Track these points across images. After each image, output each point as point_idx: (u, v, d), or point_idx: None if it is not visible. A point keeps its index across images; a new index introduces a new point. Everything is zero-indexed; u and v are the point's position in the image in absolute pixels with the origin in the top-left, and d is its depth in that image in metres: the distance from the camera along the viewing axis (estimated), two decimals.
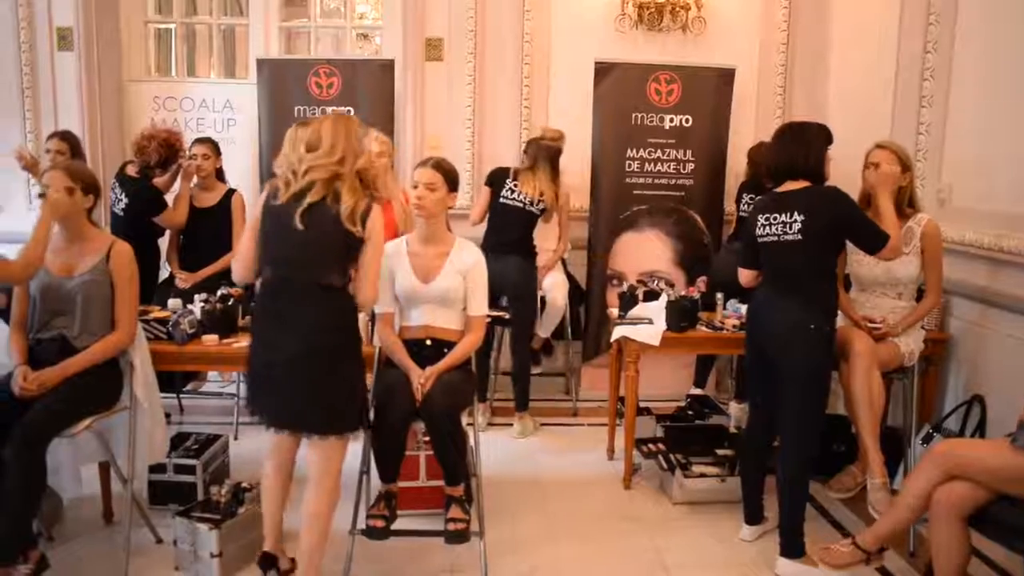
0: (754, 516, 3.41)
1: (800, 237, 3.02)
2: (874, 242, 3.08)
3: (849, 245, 3.28)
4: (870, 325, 3.44)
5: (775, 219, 3.09)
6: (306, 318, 2.61)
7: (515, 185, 4.59)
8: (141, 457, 3.14)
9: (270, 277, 2.68)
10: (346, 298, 2.70)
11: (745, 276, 3.35)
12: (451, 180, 3.08)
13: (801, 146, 3.10)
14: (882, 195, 3.28)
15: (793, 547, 3.11)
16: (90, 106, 5.28)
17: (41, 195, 3.00)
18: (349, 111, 5.10)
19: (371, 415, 2.91)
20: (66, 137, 4.50)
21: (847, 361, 3.32)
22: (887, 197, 3.27)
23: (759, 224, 3.15)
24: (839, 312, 3.25)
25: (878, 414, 3.34)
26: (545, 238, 4.96)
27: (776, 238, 3.09)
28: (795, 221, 3.03)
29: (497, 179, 4.64)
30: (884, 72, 4.54)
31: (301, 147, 2.66)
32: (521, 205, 4.58)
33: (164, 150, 4.27)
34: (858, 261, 3.59)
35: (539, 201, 4.57)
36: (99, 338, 2.99)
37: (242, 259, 2.74)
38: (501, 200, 4.58)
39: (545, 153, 4.60)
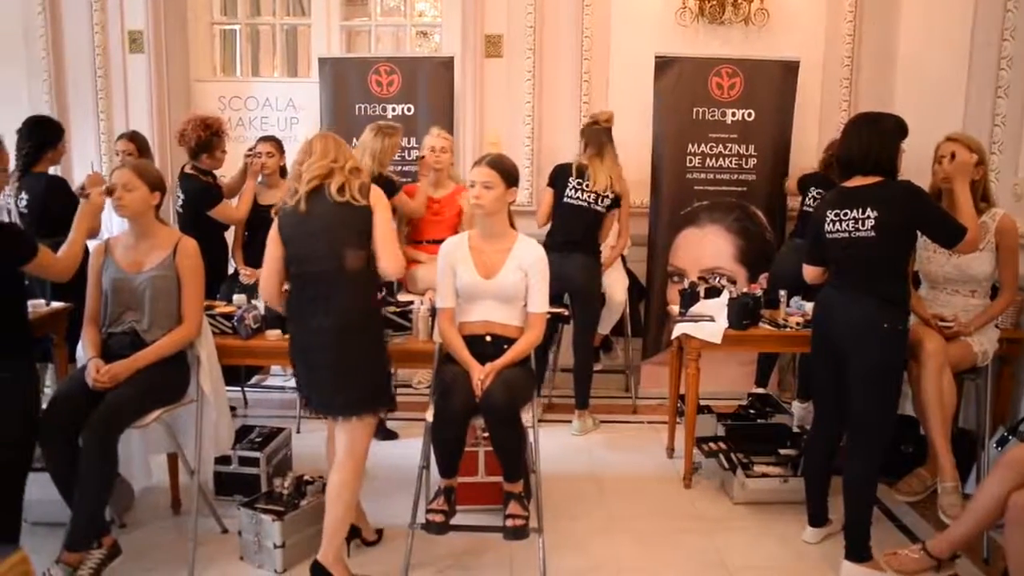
0: (818, 517, 3.33)
1: (873, 234, 2.92)
2: (951, 236, 2.97)
3: (919, 242, 3.18)
4: (941, 323, 3.34)
5: (846, 215, 2.99)
6: (329, 303, 2.77)
7: (578, 183, 4.50)
8: (207, 449, 3.22)
9: (297, 272, 2.85)
10: (366, 282, 2.86)
11: (810, 273, 3.27)
12: (508, 176, 3.06)
13: (875, 139, 2.99)
14: (959, 184, 3.16)
15: (859, 550, 3.02)
16: (159, 106, 5.43)
17: (84, 196, 3.11)
18: (409, 108, 5.16)
19: (431, 410, 2.94)
20: (134, 138, 4.65)
21: (917, 361, 3.23)
22: (964, 186, 3.15)
23: (827, 220, 3.05)
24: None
25: (949, 415, 3.25)
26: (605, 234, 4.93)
27: (847, 235, 2.99)
28: (868, 217, 2.93)
29: (559, 178, 4.58)
30: (957, 62, 4.39)
31: (297, 167, 2.87)
32: (586, 204, 4.50)
33: (201, 131, 4.31)
34: (928, 258, 3.49)
35: (605, 196, 4.49)
36: (167, 332, 3.06)
37: (266, 282, 2.91)
38: (565, 200, 4.51)
39: (607, 136, 4.52)
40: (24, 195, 4.16)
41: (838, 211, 3.02)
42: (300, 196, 2.80)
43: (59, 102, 5.42)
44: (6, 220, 3.33)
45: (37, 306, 3.57)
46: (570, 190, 4.50)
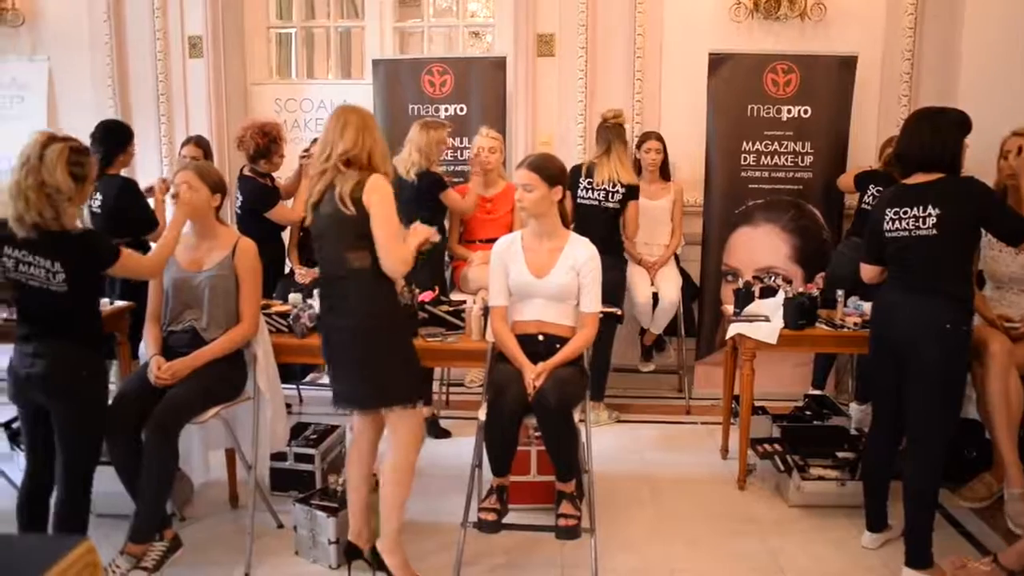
0: (877, 522, 3.25)
1: (935, 232, 2.84)
2: (1018, 233, 2.88)
3: (983, 240, 3.09)
4: (1007, 324, 3.24)
5: (906, 213, 2.91)
6: (346, 302, 2.80)
7: (588, 183, 4.52)
8: (264, 445, 3.27)
9: (320, 273, 2.97)
10: (378, 281, 2.78)
11: (868, 272, 3.19)
12: (549, 177, 3.02)
13: (936, 135, 2.90)
14: None
15: (920, 557, 2.94)
16: (217, 109, 5.55)
17: (174, 196, 3.17)
18: (462, 108, 5.18)
19: (483, 409, 2.95)
20: (200, 143, 4.79)
21: (982, 362, 3.14)
22: None
23: (887, 218, 2.97)
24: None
25: (1016, 419, 3.15)
26: (655, 233, 4.90)
27: (907, 233, 2.91)
28: (929, 215, 2.85)
29: (571, 179, 4.57)
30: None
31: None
32: (597, 203, 4.52)
33: (259, 138, 4.39)
34: (993, 257, 3.39)
35: (614, 192, 4.49)
36: (225, 330, 3.12)
37: None
38: (578, 201, 4.51)
39: (615, 134, 4.54)
40: (98, 196, 4.29)
41: (897, 209, 2.95)
42: (313, 200, 2.83)
43: (123, 107, 5.58)
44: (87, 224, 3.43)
45: (102, 305, 3.67)
46: (581, 191, 4.51)
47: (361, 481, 2.96)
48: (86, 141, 4.31)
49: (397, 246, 2.76)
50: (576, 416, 2.96)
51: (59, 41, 5.59)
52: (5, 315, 3.65)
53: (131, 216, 4.22)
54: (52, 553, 1.32)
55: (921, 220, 2.87)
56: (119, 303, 3.84)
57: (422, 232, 2.93)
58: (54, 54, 5.59)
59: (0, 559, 1.33)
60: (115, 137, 4.34)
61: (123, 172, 4.50)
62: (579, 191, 4.51)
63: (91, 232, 2.80)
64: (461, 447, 3.80)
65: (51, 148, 2.66)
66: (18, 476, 3.17)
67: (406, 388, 2.86)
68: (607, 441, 4.30)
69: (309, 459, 3.65)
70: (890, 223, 2.97)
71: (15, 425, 3.91)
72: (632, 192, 4.56)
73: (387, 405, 2.82)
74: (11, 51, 5.58)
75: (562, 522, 2.90)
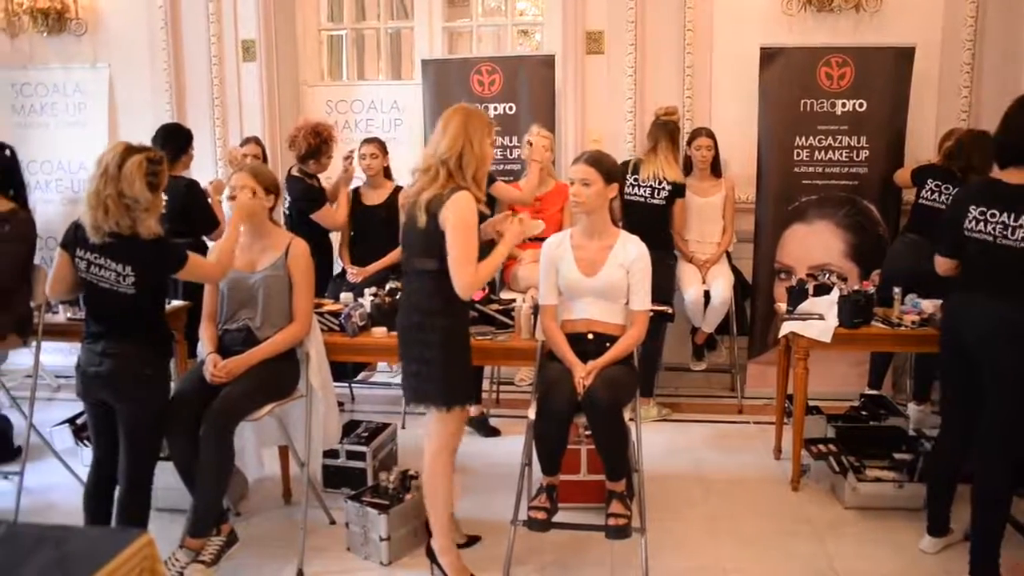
0: (939, 527, 3.17)
1: (1023, 245, 2.69)
2: None
3: None
4: None
5: (992, 216, 2.75)
6: (408, 298, 2.89)
7: (634, 180, 4.56)
8: (316, 442, 3.31)
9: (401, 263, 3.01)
10: (438, 283, 2.75)
11: (943, 265, 3.04)
12: (606, 172, 3.04)
13: None
14: None
15: (987, 568, 2.83)
16: (270, 112, 5.64)
17: (231, 198, 3.23)
18: (511, 107, 5.19)
19: (533, 408, 2.95)
20: (259, 142, 4.90)
21: None
22: None
23: (970, 216, 2.82)
24: None
25: None
26: (707, 231, 4.84)
27: (990, 238, 2.76)
28: (1020, 226, 2.69)
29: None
30: None
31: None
32: (642, 199, 4.55)
33: (311, 138, 4.45)
34: None
35: (659, 189, 4.51)
36: (279, 329, 3.17)
37: None
38: (625, 197, 4.51)
39: (665, 131, 4.57)
40: (164, 197, 4.40)
41: (984, 209, 2.79)
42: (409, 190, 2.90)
43: (179, 111, 5.69)
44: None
45: None
46: (628, 187, 4.54)
47: None
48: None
49: (466, 270, 2.69)
50: (626, 415, 2.95)
51: (119, 49, 5.72)
52: (70, 314, 3.77)
53: (195, 217, 4.32)
54: (114, 545, 1.37)
55: (1009, 229, 2.72)
56: (177, 302, 3.93)
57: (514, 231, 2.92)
58: (115, 61, 5.73)
59: (66, 550, 1.38)
60: (176, 140, 4.45)
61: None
62: (625, 187, 4.52)
63: (162, 239, 2.86)
64: (511, 446, 3.81)
65: (130, 160, 2.76)
66: (83, 471, 3.28)
67: (444, 389, 2.81)
68: (658, 440, 4.27)
69: (361, 456, 3.70)
70: (973, 222, 2.82)
71: (79, 421, 4.05)
72: (678, 190, 4.60)
73: (421, 401, 2.85)
74: (75, 59, 5.74)
75: (612, 521, 2.89)
